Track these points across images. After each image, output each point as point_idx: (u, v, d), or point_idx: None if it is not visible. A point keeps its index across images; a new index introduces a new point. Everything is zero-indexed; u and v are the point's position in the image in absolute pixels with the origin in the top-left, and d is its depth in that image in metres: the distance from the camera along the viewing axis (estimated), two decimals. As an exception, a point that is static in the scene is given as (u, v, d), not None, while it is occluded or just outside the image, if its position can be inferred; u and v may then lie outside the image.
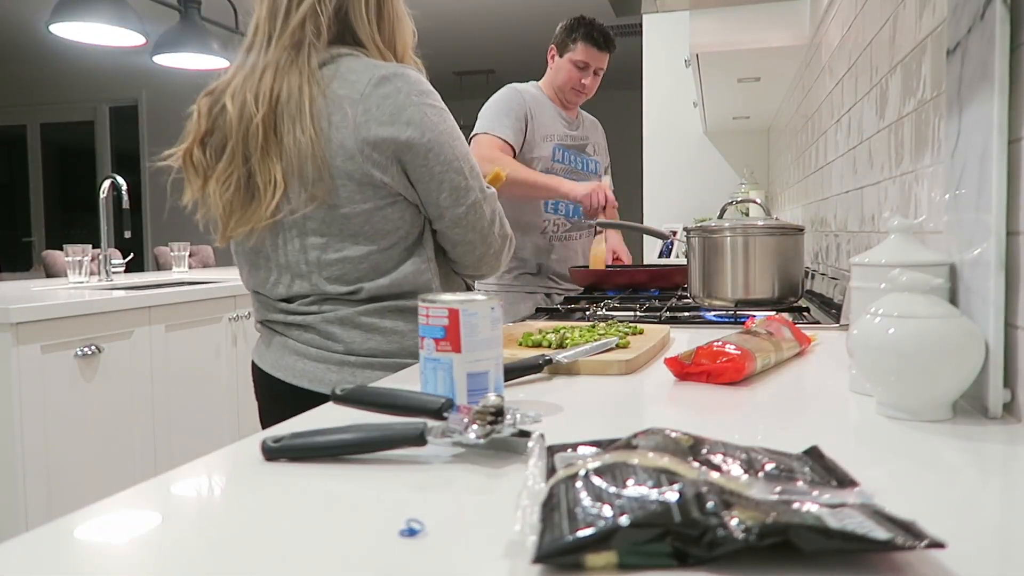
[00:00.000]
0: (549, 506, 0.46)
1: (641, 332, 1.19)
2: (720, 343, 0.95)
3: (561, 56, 2.29)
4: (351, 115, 1.08)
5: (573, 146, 2.34)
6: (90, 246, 3.11)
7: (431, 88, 1.14)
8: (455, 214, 1.15)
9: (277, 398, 1.16)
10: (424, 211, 1.16)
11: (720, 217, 1.60)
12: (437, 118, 1.11)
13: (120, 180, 3.09)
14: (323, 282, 1.13)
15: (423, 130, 1.09)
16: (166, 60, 3.58)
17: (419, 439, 0.63)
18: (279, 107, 1.09)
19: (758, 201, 2.20)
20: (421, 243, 1.18)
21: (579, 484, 0.47)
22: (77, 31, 3.04)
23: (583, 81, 2.27)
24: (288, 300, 1.17)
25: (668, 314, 1.52)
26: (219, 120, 1.14)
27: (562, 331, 1.14)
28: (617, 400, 0.88)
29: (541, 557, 0.42)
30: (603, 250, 2.21)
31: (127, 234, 3.09)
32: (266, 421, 1.17)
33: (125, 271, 3.57)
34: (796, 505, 0.44)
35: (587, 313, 1.58)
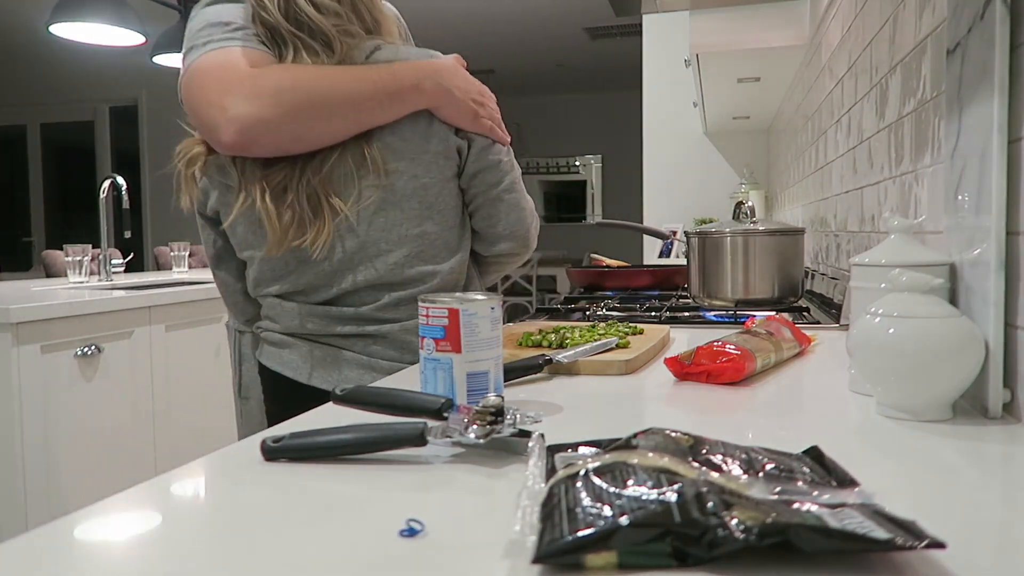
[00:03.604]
0: (549, 506, 0.46)
1: (641, 332, 1.19)
2: (720, 343, 0.95)
3: None
4: None
5: None
6: (90, 246, 3.11)
7: None
8: (514, 176, 1.19)
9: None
10: (475, 185, 1.17)
11: (735, 217, 1.59)
12: None
13: (120, 180, 3.09)
14: (405, 260, 1.11)
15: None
16: (166, 60, 3.58)
17: (419, 439, 0.63)
18: None
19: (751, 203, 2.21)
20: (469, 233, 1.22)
21: (579, 484, 0.47)
22: (77, 31, 3.04)
23: None
24: (353, 303, 1.13)
25: (668, 314, 1.52)
26: None
27: (562, 331, 1.14)
28: (617, 400, 0.88)
29: (541, 557, 0.42)
30: None
31: (127, 234, 3.10)
32: None
33: (125, 271, 3.57)
34: (796, 505, 0.44)
35: (587, 313, 1.58)
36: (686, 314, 1.55)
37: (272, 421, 1.19)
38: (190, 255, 4.22)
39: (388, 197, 1.10)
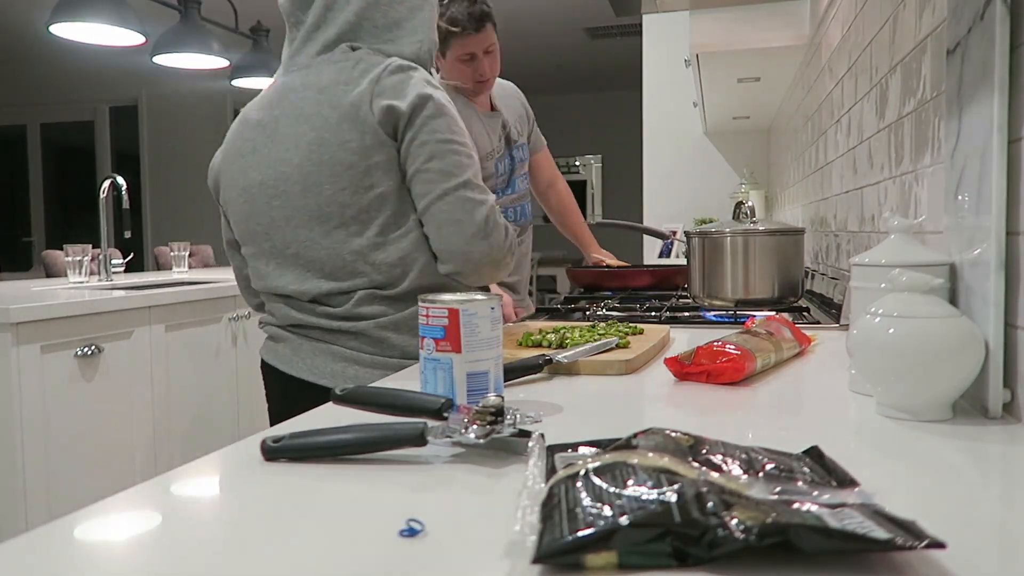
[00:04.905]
0: (549, 506, 0.46)
1: (641, 332, 1.19)
2: (720, 343, 0.95)
3: (445, 57, 1.89)
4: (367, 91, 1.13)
5: (501, 151, 1.98)
6: (90, 246, 3.11)
7: None
8: (446, 186, 1.11)
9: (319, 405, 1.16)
10: (412, 191, 1.14)
11: (735, 217, 1.59)
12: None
13: (120, 180, 3.09)
14: (371, 269, 1.14)
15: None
16: (166, 60, 3.58)
17: (419, 439, 0.63)
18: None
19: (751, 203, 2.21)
20: None
21: (579, 484, 0.47)
22: (77, 31, 3.03)
23: (478, 70, 1.88)
24: (327, 303, 1.16)
25: (668, 314, 1.52)
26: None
27: (562, 331, 1.14)
28: (617, 400, 0.88)
29: (541, 557, 0.42)
30: None
31: (127, 234, 3.09)
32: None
33: (125, 271, 3.57)
34: (796, 505, 0.44)
35: (587, 313, 1.58)
36: (686, 314, 1.55)
37: (273, 417, 1.22)
38: (190, 255, 4.22)
39: (348, 212, 1.13)
